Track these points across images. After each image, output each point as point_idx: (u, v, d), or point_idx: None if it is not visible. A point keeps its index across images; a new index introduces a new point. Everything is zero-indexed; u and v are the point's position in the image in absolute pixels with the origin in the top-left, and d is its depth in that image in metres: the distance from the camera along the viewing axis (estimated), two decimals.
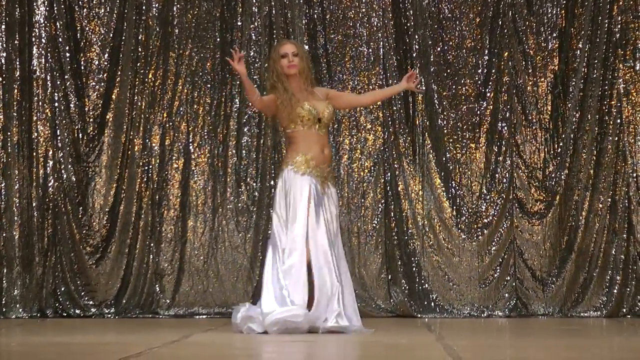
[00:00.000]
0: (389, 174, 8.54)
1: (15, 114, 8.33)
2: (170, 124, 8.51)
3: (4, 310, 8.31)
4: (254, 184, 8.45)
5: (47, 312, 8.38)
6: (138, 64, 8.49)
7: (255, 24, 8.48)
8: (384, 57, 8.52)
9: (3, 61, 8.37)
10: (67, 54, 8.44)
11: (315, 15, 8.52)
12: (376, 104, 8.47)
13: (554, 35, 8.49)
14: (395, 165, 8.53)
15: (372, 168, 8.55)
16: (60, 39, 8.43)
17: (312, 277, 6.11)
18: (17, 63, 8.36)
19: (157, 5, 8.54)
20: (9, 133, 8.32)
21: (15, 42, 8.34)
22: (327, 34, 8.56)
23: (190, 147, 8.53)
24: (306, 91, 6.28)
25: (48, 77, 8.39)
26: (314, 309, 6.06)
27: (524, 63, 8.47)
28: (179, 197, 8.50)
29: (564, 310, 8.37)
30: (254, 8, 8.50)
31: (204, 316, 8.34)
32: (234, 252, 8.42)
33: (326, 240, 6.14)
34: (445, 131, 8.56)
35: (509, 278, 8.40)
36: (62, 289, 8.38)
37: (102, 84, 8.45)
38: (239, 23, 8.54)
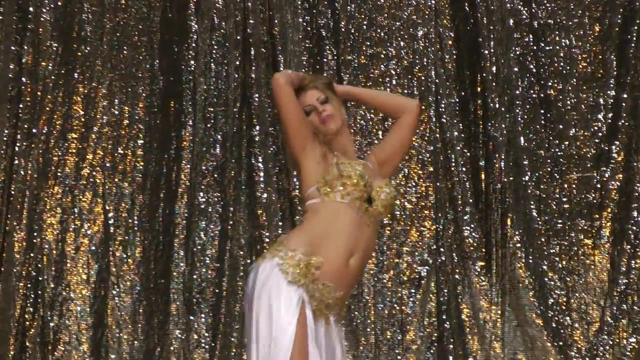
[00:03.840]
0: (445, 291, 6.66)
1: None
2: (75, 204, 6.52)
3: None
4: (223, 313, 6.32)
5: None
6: (20, 105, 6.51)
7: (218, 33, 6.57)
8: (438, 91, 6.78)
9: None
10: None
11: (322, 22, 6.69)
12: (424, 172, 6.74)
13: None
14: (457, 276, 6.66)
15: (418, 280, 6.68)
16: None
17: None
18: None
19: (51, 7, 6.50)
20: None
21: None
22: (343, 53, 6.76)
23: (110, 245, 6.42)
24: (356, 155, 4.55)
25: None
26: None
27: None
28: (89, 331, 6.32)
29: None
30: (216, 6, 6.58)
31: None
32: None
33: None
34: (541, 218, 6.77)
35: None
36: None
37: None
38: (194, 31, 6.51)
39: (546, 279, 6.67)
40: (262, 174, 6.42)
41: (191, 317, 6.26)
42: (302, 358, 4.07)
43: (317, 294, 4.12)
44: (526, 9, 6.81)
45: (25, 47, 6.44)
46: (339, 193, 4.23)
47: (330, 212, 4.23)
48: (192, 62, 6.43)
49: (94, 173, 6.41)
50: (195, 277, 6.39)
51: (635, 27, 6.79)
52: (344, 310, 4.33)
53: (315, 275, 4.11)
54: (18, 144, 6.40)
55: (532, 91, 6.84)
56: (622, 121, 6.84)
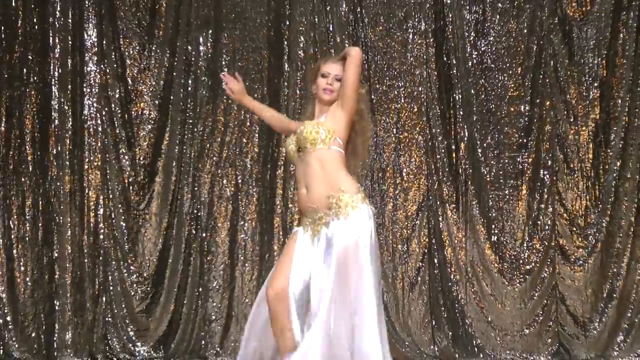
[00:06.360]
0: (432, 221, 8.09)
1: (67, 163, 8.01)
2: (219, 172, 8.14)
3: (55, 354, 7.89)
4: None
5: (98, 357, 7.98)
6: (187, 114, 8.14)
7: (303, 72, 8.08)
8: (428, 106, 8.08)
9: (56, 112, 8.03)
10: (118, 104, 8.11)
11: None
12: (419, 153, 8.14)
13: (595, 84, 8.05)
14: (439, 213, 8.08)
15: (416, 215, 8.12)
16: (110, 90, 8.10)
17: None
18: (69, 113, 8.04)
19: (205, 57, 8.16)
20: (60, 182, 7.99)
21: (68, 92, 8.00)
22: (372, 84, 8.12)
23: (239, 195, 8.15)
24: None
25: (99, 127, 8.06)
26: None
27: (565, 112, 8.06)
28: (227, 244, 8.11)
29: (605, 355, 7.93)
30: (299, 56, 8.12)
31: None
32: None
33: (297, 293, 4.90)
34: (488, 179, 8.12)
35: (551, 324, 8.02)
36: (113, 333, 8.03)
37: (152, 133, 8.13)
38: (287, 71, 8.14)
39: (490, 214, 8.02)
40: None
41: (287, 236, 7.66)
42: (283, 255, 4.91)
43: (306, 221, 4.97)
44: (478, 58, 8.03)
45: (190, 81, 8.02)
46: (294, 153, 4.91)
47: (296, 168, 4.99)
48: (285, 87, 7.86)
49: (230, 153, 8.00)
50: (288, 214, 8.00)
51: (542, 69, 7.97)
52: (339, 211, 4.75)
53: (299, 212, 5.17)
54: (186, 137, 8.00)
55: (482, 106, 8.06)
56: (534, 125, 8.02)
